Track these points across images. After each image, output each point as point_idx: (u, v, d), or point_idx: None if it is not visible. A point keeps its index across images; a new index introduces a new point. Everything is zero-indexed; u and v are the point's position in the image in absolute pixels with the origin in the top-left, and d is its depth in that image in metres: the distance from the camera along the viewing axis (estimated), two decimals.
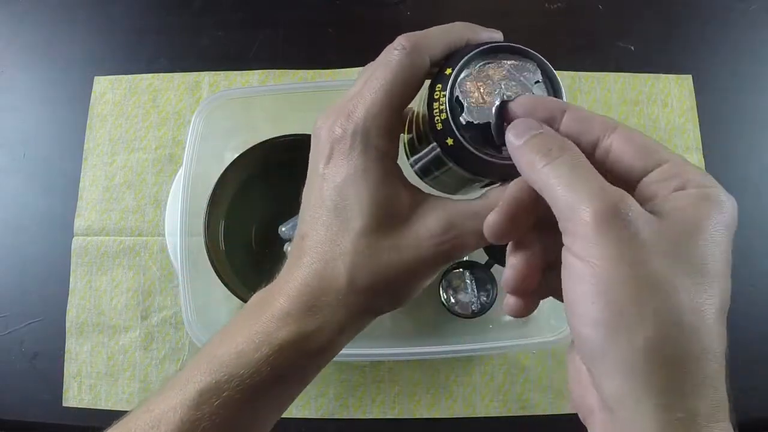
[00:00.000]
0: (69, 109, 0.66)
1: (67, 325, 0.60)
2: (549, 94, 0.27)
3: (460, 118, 0.26)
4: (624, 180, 0.24)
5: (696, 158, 0.64)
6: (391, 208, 0.27)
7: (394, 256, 0.27)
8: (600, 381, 0.21)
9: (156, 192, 0.63)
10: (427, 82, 0.29)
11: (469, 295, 0.55)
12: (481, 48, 0.28)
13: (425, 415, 0.57)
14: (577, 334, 0.21)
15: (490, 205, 0.26)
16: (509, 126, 0.25)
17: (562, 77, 0.70)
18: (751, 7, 0.70)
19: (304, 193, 0.30)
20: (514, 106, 0.26)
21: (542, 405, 0.57)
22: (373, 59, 0.29)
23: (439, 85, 0.27)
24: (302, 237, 0.29)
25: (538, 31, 0.68)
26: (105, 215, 0.62)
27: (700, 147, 0.64)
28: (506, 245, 0.28)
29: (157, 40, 0.69)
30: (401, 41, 0.28)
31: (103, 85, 0.66)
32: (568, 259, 0.22)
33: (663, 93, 0.66)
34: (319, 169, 0.28)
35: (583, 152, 0.24)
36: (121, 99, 0.66)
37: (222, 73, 0.66)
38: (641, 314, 0.20)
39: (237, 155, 0.56)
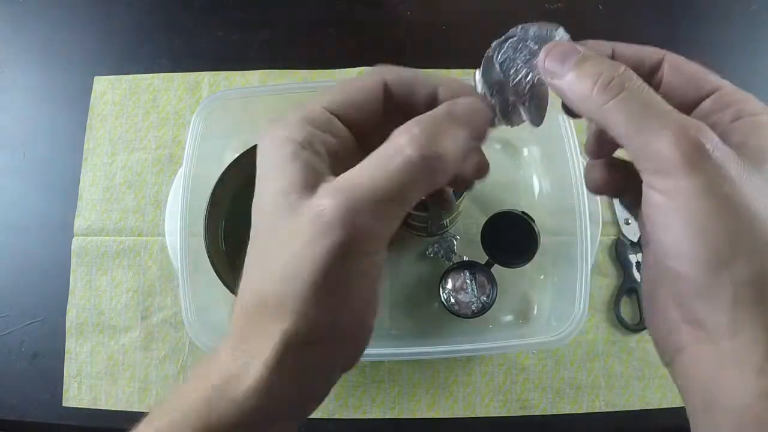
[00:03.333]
0: (69, 109, 0.66)
1: (67, 325, 0.60)
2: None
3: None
4: (678, 109, 0.22)
5: None
6: (287, 196, 0.23)
7: (287, 255, 0.22)
8: (704, 316, 0.21)
9: (156, 192, 0.63)
10: None
11: (469, 295, 0.55)
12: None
13: (425, 415, 0.57)
14: (675, 273, 0.21)
15: (376, 155, 0.22)
16: (545, 53, 0.24)
17: None
18: (751, 7, 0.69)
19: None
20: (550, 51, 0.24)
21: (542, 405, 0.57)
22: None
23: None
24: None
25: None
26: (105, 215, 0.62)
27: None
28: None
29: (157, 40, 0.69)
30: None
31: (103, 85, 0.66)
32: (653, 197, 0.21)
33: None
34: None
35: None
36: (121, 99, 0.66)
37: (222, 73, 0.66)
38: (743, 248, 0.19)
39: (237, 155, 0.56)
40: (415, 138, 0.21)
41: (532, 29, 0.25)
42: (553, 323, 0.56)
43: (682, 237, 0.20)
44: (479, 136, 0.24)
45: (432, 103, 0.25)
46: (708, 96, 0.23)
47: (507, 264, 0.55)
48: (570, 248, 0.54)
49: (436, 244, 0.60)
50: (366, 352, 0.24)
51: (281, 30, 0.68)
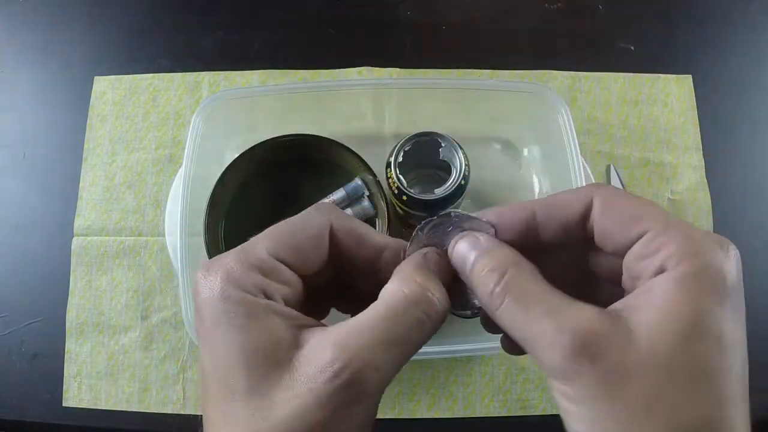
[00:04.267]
0: (69, 109, 0.66)
1: (67, 325, 0.60)
2: (456, 153, 0.26)
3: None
4: (616, 255, 0.22)
5: (696, 158, 0.64)
6: (270, 353, 0.20)
7: (288, 410, 0.20)
8: None
9: (156, 192, 0.63)
10: None
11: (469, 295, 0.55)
12: None
13: (425, 415, 0.57)
14: None
15: (383, 307, 0.22)
16: (453, 243, 0.24)
17: (563, 77, 0.70)
18: (752, 7, 0.70)
19: None
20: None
21: (542, 405, 0.57)
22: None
23: (389, 170, 0.36)
24: (204, 421, 0.22)
25: (538, 31, 0.68)
26: (105, 215, 0.62)
27: (700, 147, 0.64)
28: None
29: (157, 40, 0.69)
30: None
31: (103, 85, 0.66)
32: (557, 399, 0.20)
33: (663, 93, 0.66)
34: (198, 331, 0.22)
35: (574, 239, 0.22)
36: (121, 99, 0.66)
37: (222, 73, 0.66)
38: None
39: (237, 155, 0.56)
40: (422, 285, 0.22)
41: (467, 222, 0.25)
42: None
43: None
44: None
45: (373, 260, 0.25)
46: (637, 239, 0.21)
47: None
48: None
49: None
50: None
51: (281, 30, 0.68)
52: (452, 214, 0.25)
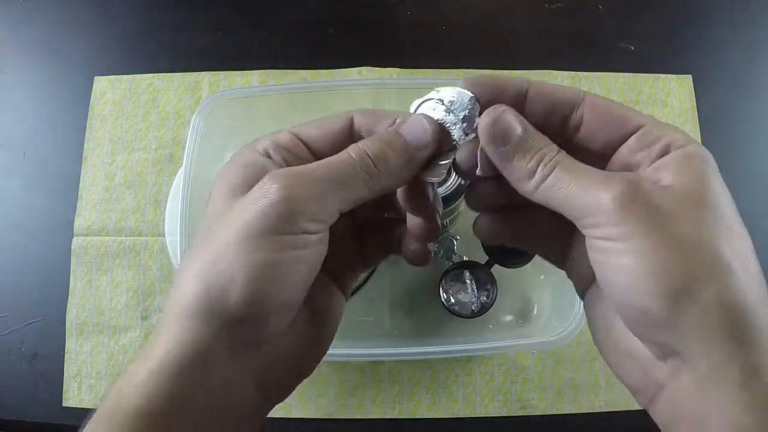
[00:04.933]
0: (69, 109, 0.66)
1: (67, 325, 0.60)
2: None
3: None
4: (602, 152, 0.24)
5: None
6: (235, 190, 0.25)
7: (222, 236, 0.23)
8: (677, 346, 0.21)
9: (156, 192, 0.63)
10: None
11: (469, 295, 0.55)
12: None
13: (425, 415, 0.57)
14: (634, 312, 0.22)
15: (329, 158, 0.25)
16: (486, 130, 0.24)
17: (562, 77, 0.70)
18: (751, 7, 0.70)
19: None
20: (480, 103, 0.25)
21: (542, 405, 0.57)
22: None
23: None
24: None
25: (538, 31, 0.68)
26: (105, 215, 0.62)
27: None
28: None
29: (157, 39, 0.69)
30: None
31: (103, 85, 0.66)
32: (598, 244, 0.22)
33: (663, 93, 0.66)
34: None
35: (551, 128, 0.24)
36: (121, 99, 0.66)
37: (222, 73, 0.66)
38: (701, 275, 0.20)
39: None
40: (359, 147, 0.25)
41: (448, 94, 0.25)
42: (553, 323, 0.56)
43: (638, 274, 0.21)
44: (417, 159, 0.26)
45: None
46: (632, 134, 0.23)
47: (507, 264, 0.55)
48: None
49: (436, 244, 0.60)
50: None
51: (281, 30, 0.68)
52: (434, 91, 0.26)
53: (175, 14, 0.70)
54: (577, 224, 0.23)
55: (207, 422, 0.23)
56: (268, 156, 0.26)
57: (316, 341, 0.27)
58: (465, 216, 0.60)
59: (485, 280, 0.55)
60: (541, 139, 0.24)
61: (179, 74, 0.66)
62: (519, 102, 0.25)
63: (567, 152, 0.24)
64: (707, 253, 0.21)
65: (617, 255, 0.21)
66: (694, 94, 0.65)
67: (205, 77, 0.66)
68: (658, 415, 0.23)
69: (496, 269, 0.55)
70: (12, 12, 0.70)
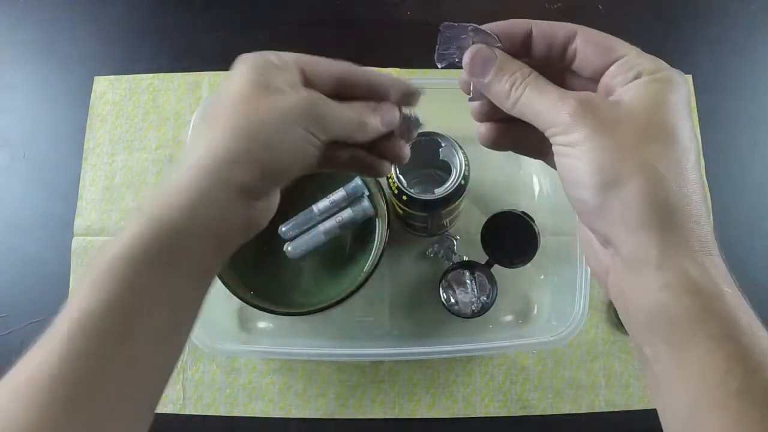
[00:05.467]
0: (69, 109, 0.66)
1: None
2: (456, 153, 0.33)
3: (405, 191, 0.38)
4: (591, 77, 0.28)
5: None
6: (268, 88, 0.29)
7: (272, 107, 0.28)
8: (606, 232, 0.25)
9: None
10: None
11: (469, 295, 0.55)
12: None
13: (425, 415, 0.57)
14: (578, 203, 0.26)
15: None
16: (468, 58, 0.29)
17: None
18: (751, 7, 0.70)
19: None
20: (489, 29, 0.30)
21: (542, 405, 0.57)
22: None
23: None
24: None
25: None
26: (105, 215, 0.62)
27: (701, 147, 0.64)
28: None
29: (157, 40, 0.69)
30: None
31: (103, 85, 0.66)
32: (559, 150, 0.26)
33: None
34: None
35: (554, 59, 0.28)
36: (121, 99, 0.66)
37: (222, 73, 0.66)
38: (627, 172, 0.24)
39: None
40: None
41: (479, 36, 0.31)
42: (553, 323, 0.56)
43: (581, 171, 0.25)
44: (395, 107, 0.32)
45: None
46: (615, 62, 0.26)
47: (507, 264, 0.55)
48: (570, 248, 0.54)
49: (436, 244, 0.60)
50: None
51: (281, 30, 0.68)
52: (469, 27, 0.30)
53: (175, 14, 0.70)
54: (546, 134, 0.27)
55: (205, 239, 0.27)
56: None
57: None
58: (465, 216, 0.60)
59: (485, 280, 0.55)
60: (513, 64, 0.28)
61: (179, 74, 0.66)
62: (526, 39, 0.29)
63: (566, 78, 0.29)
64: (638, 155, 0.24)
65: (570, 157, 0.25)
66: (694, 94, 0.65)
67: (205, 77, 0.66)
68: (611, 296, 0.27)
69: (496, 269, 0.55)
70: (12, 12, 0.70)
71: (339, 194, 0.56)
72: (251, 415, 0.57)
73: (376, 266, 0.53)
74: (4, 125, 0.67)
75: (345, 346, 0.57)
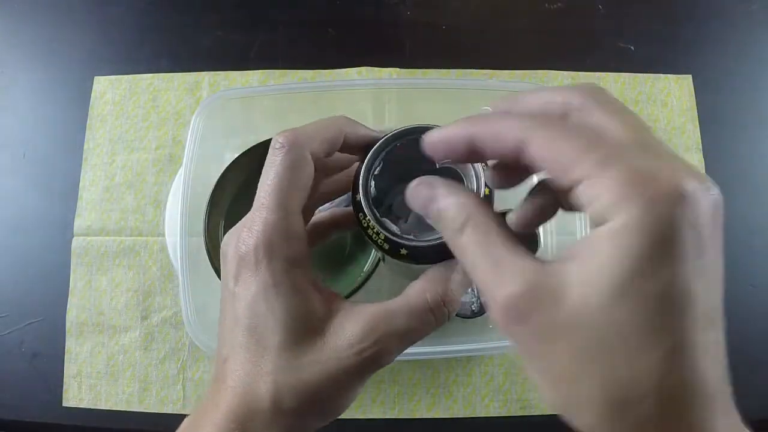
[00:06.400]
0: (69, 109, 0.66)
1: (67, 325, 0.60)
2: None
3: (401, 241, 0.28)
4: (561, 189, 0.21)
5: (696, 158, 0.64)
6: (307, 321, 0.26)
7: (316, 371, 0.25)
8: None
9: (156, 192, 0.63)
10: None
11: (469, 295, 0.55)
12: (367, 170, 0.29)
13: (425, 415, 0.57)
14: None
15: (408, 304, 0.26)
16: (415, 188, 0.26)
17: (562, 77, 0.70)
18: (752, 7, 0.70)
19: (220, 313, 0.28)
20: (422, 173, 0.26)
21: (542, 405, 0.57)
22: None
23: (361, 214, 0.28)
24: (224, 360, 0.26)
25: (538, 31, 0.68)
26: (105, 215, 0.62)
27: (700, 147, 0.64)
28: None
29: (157, 40, 0.69)
30: (279, 139, 0.28)
31: (103, 85, 0.66)
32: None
33: (663, 93, 0.66)
34: (229, 287, 0.26)
35: (505, 162, 0.25)
36: (121, 99, 0.66)
37: (222, 73, 0.66)
38: (588, 398, 0.20)
39: (237, 155, 0.56)
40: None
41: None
42: None
43: (542, 390, 0.23)
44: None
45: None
46: (577, 186, 0.19)
47: None
48: None
49: None
50: None
51: (281, 30, 0.68)
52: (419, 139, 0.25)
53: (175, 14, 0.70)
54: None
55: None
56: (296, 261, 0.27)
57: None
58: None
59: None
60: (460, 213, 0.24)
61: (179, 74, 0.66)
62: (472, 148, 0.23)
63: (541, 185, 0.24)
64: (600, 373, 0.19)
65: (529, 371, 0.22)
66: (694, 94, 0.65)
67: (205, 77, 0.66)
68: None
69: None
70: (12, 12, 0.70)
71: (340, 197, 0.56)
72: None
73: (376, 266, 0.53)
74: (4, 125, 0.67)
75: None
